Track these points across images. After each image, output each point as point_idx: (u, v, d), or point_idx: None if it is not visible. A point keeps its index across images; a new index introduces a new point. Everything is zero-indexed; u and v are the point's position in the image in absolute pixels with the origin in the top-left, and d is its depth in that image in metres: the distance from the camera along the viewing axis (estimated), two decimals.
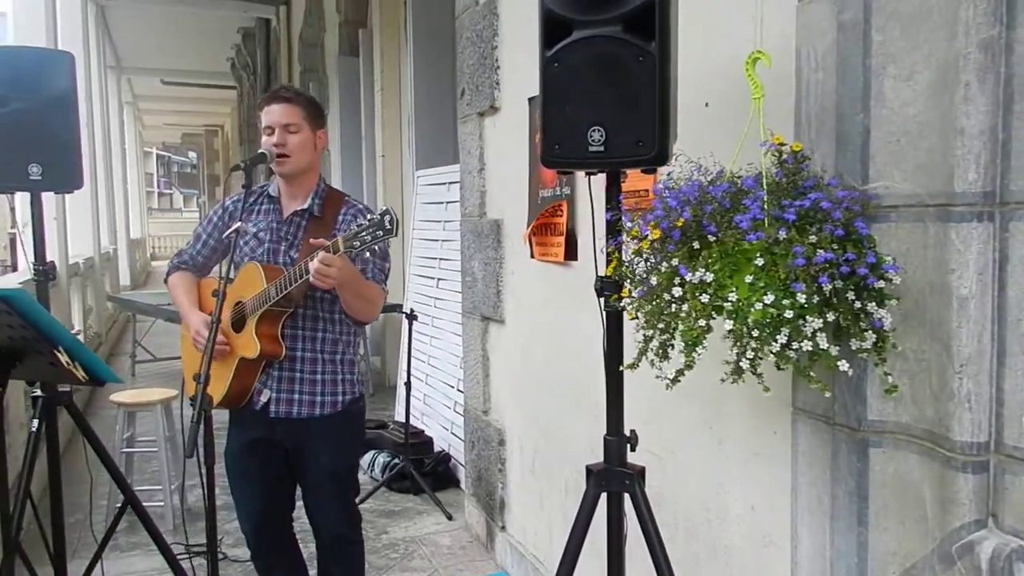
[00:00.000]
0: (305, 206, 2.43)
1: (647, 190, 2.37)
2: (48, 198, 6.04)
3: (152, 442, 4.34)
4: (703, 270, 1.49)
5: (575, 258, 2.85)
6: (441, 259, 5.29)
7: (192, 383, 2.30)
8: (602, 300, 1.86)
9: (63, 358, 1.77)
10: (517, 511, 3.44)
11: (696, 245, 1.54)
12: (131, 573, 3.59)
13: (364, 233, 2.07)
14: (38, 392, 2.79)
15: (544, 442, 3.15)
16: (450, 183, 5.25)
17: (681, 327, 1.54)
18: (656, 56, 1.68)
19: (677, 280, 1.55)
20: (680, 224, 1.54)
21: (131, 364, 8.15)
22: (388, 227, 2.05)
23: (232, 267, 2.21)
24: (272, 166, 2.40)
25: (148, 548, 3.70)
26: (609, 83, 1.72)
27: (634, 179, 2.31)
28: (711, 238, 1.52)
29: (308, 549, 2.69)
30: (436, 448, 4.78)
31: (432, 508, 4.23)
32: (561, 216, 2.90)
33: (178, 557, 3.16)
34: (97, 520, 3.98)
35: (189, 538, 3.97)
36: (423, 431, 4.92)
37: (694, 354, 1.50)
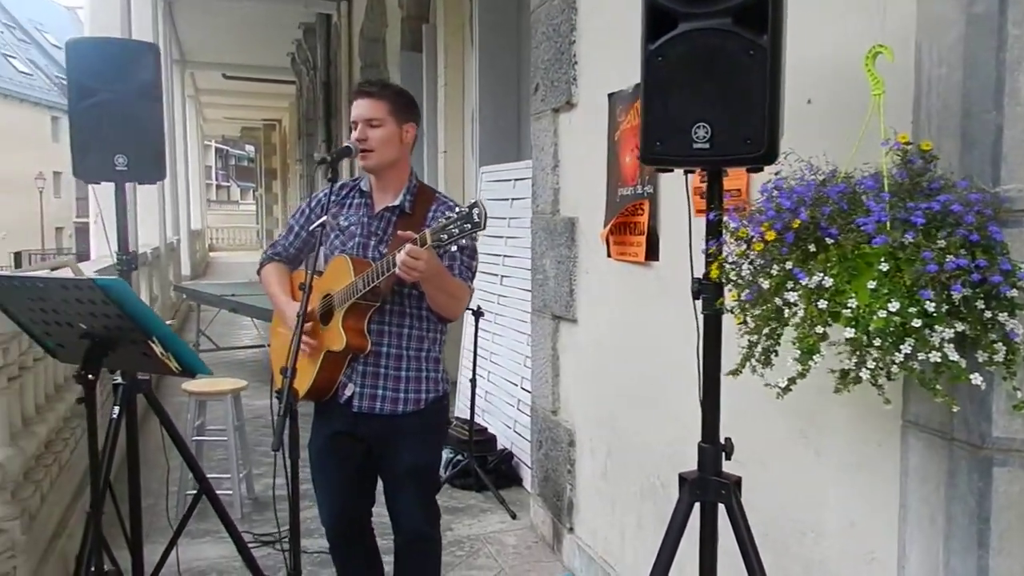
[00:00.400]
0: (396, 202, 2.41)
1: (739, 190, 2.30)
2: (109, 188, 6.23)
3: (221, 431, 4.39)
4: (821, 274, 1.42)
5: (656, 258, 2.78)
6: (505, 256, 5.25)
7: (280, 376, 2.30)
8: (699, 303, 1.80)
9: (157, 348, 1.78)
10: (586, 513, 3.39)
11: (812, 248, 1.47)
12: (202, 559, 3.62)
13: (451, 226, 2.04)
14: (118, 379, 2.83)
15: (617, 444, 3.09)
16: (516, 180, 5.21)
17: (795, 333, 1.47)
18: (768, 50, 1.61)
19: (790, 284, 1.48)
20: (796, 226, 1.47)
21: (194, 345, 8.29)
22: (476, 220, 2.01)
23: (321, 260, 2.20)
24: (357, 160, 2.39)
25: (218, 535, 3.74)
26: (716, 78, 1.66)
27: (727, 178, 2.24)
28: (829, 241, 1.44)
29: (386, 543, 2.68)
30: (499, 446, 4.75)
31: (496, 506, 4.20)
32: (642, 215, 2.84)
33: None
34: (164, 507, 4.04)
35: (256, 527, 4.02)
36: (486, 428, 4.89)
37: (810, 362, 1.43)
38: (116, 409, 2.85)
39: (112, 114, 2.68)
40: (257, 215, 36.95)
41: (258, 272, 2.63)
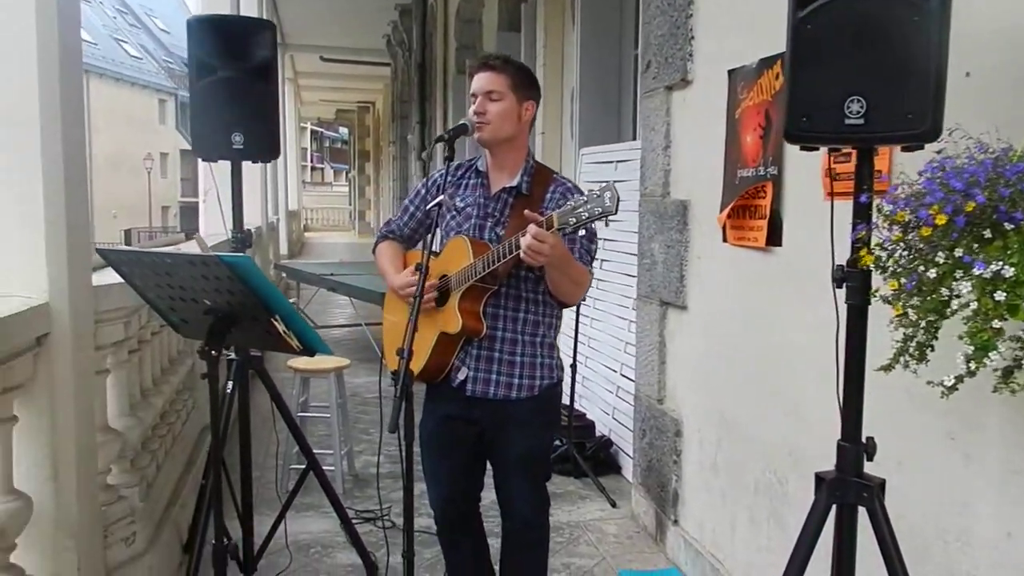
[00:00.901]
0: (514, 183, 2.36)
1: (879, 171, 2.14)
2: (222, 167, 6.38)
3: (322, 407, 4.46)
4: (1000, 263, 1.28)
5: (779, 243, 2.64)
6: (605, 239, 5.14)
7: (393, 358, 2.28)
8: (840, 291, 1.67)
9: (280, 327, 1.77)
10: (693, 506, 3.28)
11: (987, 234, 1.33)
12: (306, 533, 3.68)
13: (580, 209, 1.96)
14: (232, 355, 2.88)
15: (729, 437, 2.97)
16: (618, 162, 5.09)
17: (965, 328, 1.34)
18: (936, 14, 1.47)
19: (959, 273, 1.35)
20: (970, 209, 1.33)
21: None
22: (608, 205, 1.93)
23: (437, 240, 2.16)
24: (473, 135, 2.33)
25: (320, 510, 3.80)
26: (873, 47, 1.53)
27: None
28: (1009, 226, 1.31)
29: (490, 525, 2.65)
30: (597, 433, 4.68)
31: (595, 493, 4.13)
32: (764, 198, 2.70)
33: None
34: (268, 479, 4.13)
35: (357, 504, 4.06)
36: (584, 414, 4.82)
37: (985, 359, 1.30)
38: (230, 384, 2.90)
39: (230, 92, 2.71)
40: (350, 196, 37.72)
41: (373, 250, 2.62)
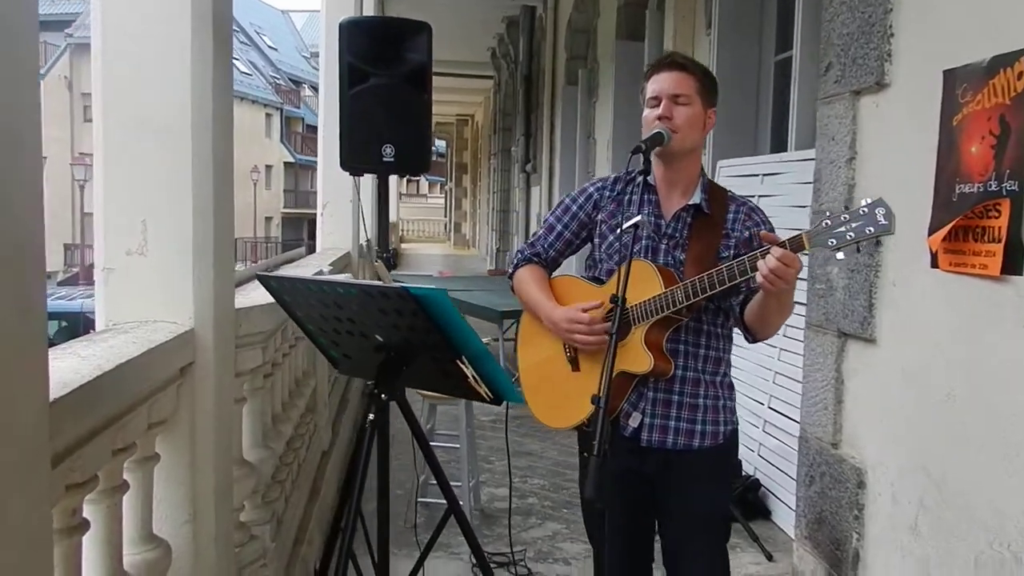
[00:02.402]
0: (694, 200, 2.04)
1: None
2: (343, 177, 6.23)
3: (453, 436, 4.21)
4: None
5: (1019, 272, 2.23)
6: None
7: (547, 409, 1.99)
8: None
9: (468, 371, 1.49)
10: (879, 570, 2.86)
11: None
12: None
13: (841, 229, 1.65)
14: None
15: (938, 497, 2.55)
16: (764, 175, 4.70)
17: None
18: None
19: None
20: None
21: None
22: (883, 223, 1.61)
23: (569, 265, 1.86)
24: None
25: (449, 550, 3.54)
26: None
27: None
28: None
29: None
30: (743, 472, 4.28)
31: (746, 542, 3.74)
32: (998, 218, 2.28)
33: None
34: (397, 513, 3.90)
35: (485, 544, 3.79)
36: None
37: None
38: (371, 417, 2.66)
39: (383, 100, 2.49)
40: (445, 208, 38.06)
41: (510, 276, 2.31)
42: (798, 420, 3.52)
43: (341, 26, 2.48)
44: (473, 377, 1.49)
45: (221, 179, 2.17)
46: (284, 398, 3.43)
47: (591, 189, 2.21)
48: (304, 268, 4.19)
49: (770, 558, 3.58)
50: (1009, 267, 2.24)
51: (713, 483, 2.08)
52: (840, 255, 1.72)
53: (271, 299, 2.89)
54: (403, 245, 29.69)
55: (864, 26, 2.90)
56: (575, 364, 2.08)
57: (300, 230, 41.00)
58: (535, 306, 2.18)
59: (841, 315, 3.06)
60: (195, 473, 2.16)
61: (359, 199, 2.74)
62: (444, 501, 3.67)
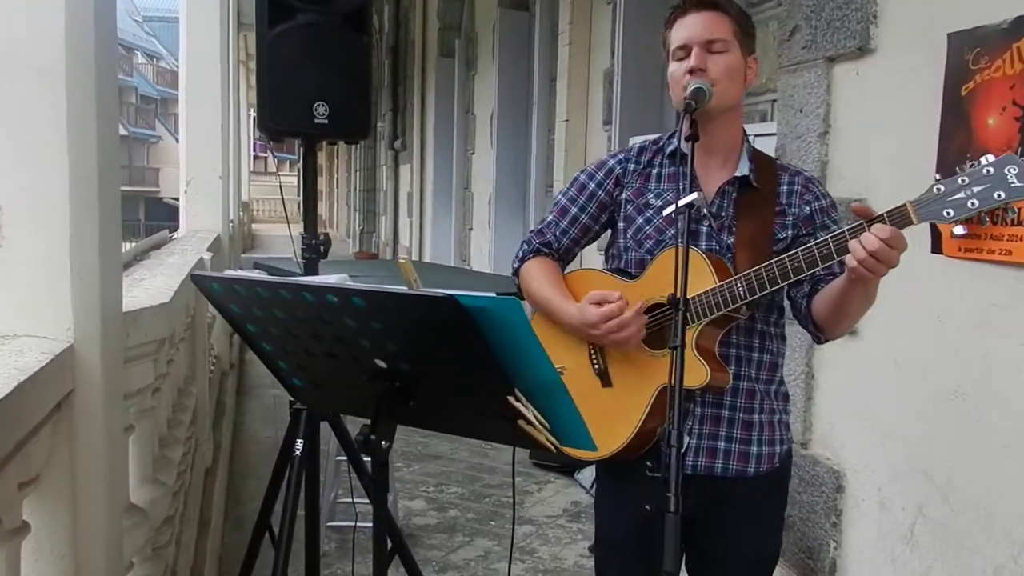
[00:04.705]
0: (740, 171, 1.66)
1: None
2: (212, 150, 5.47)
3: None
4: None
5: None
6: None
7: (612, 432, 1.57)
8: None
9: (528, 411, 1.04)
10: None
11: None
12: None
13: (960, 195, 1.31)
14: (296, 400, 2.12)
15: (943, 504, 2.33)
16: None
17: None
18: None
19: None
20: None
21: None
22: (1018, 185, 1.28)
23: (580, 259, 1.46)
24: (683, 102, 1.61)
25: None
26: None
27: None
28: None
29: None
30: None
31: None
32: None
33: None
34: (300, 539, 3.35)
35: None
36: None
37: None
38: (300, 444, 2.15)
39: (314, 46, 1.95)
40: (298, 187, 36.53)
41: (515, 271, 1.86)
42: None
43: None
44: (535, 418, 1.05)
45: (108, 140, 1.60)
46: (169, 414, 2.82)
47: (611, 162, 1.78)
48: (185, 256, 3.55)
49: None
50: None
51: (770, 518, 1.73)
52: (959, 229, 1.39)
53: (164, 295, 2.32)
54: (254, 226, 28.13)
55: None
56: (605, 378, 1.67)
57: (136, 210, 38.09)
58: (549, 307, 1.73)
59: None
60: (78, 538, 1.59)
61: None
62: (353, 523, 3.22)
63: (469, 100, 9.48)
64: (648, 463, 1.41)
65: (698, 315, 1.55)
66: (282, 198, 2.37)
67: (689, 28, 1.63)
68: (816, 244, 1.46)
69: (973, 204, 1.31)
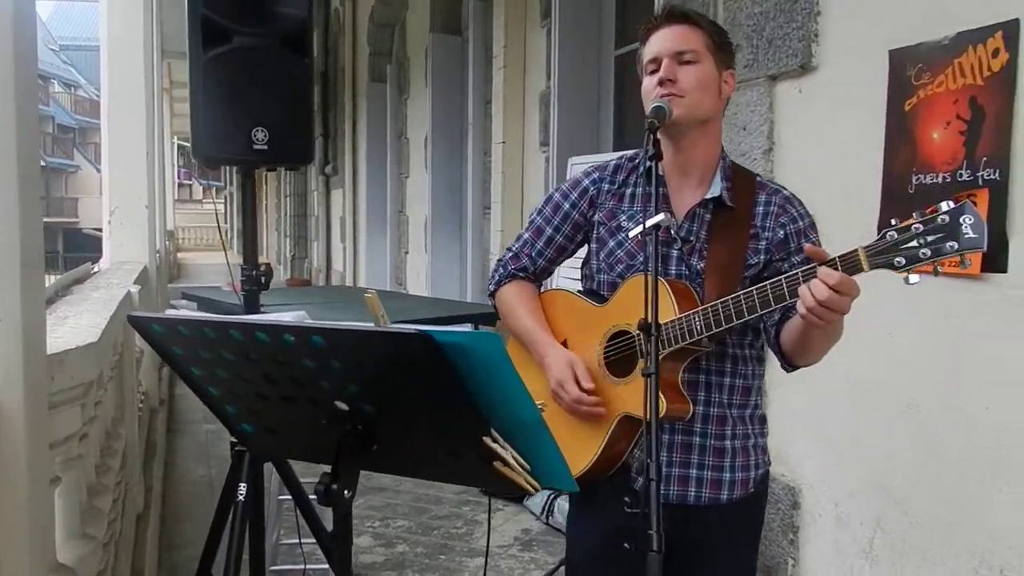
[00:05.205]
0: (712, 192, 1.61)
1: None
2: (137, 179, 5.25)
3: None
4: None
5: (1002, 269, 2.03)
6: None
7: (574, 457, 1.51)
8: None
9: (505, 452, 0.96)
10: None
11: None
12: None
13: (913, 243, 1.27)
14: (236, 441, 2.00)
15: (901, 517, 2.33)
16: None
17: None
18: None
19: None
20: None
21: None
22: (972, 236, 1.25)
23: (555, 278, 1.40)
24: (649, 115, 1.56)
25: None
26: None
27: None
28: None
29: None
30: None
31: None
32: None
33: None
34: None
35: None
36: None
37: None
38: (243, 488, 2.02)
39: (251, 69, 1.86)
40: (227, 214, 35.81)
41: (491, 294, 1.81)
42: None
43: None
44: (514, 459, 0.97)
45: (28, 172, 1.47)
46: (97, 460, 2.64)
47: (586, 182, 1.72)
48: (111, 290, 3.36)
49: None
50: (991, 264, 2.04)
51: (743, 544, 1.68)
52: (915, 278, 1.31)
53: (92, 333, 2.16)
54: (180, 254, 27.40)
55: (783, 4, 2.65)
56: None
57: (54, 242, 36.70)
58: (527, 339, 1.70)
59: None
60: None
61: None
62: (301, 566, 3.07)
63: (402, 124, 9.40)
64: (626, 499, 1.35)
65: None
66: (219, 226, 2.25)
67: (660, 41, 1.59)
68: (771, 283, 1.41)
69: (925, 254, 1.28)
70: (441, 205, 7.94)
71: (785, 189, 1.67)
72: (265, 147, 1.88)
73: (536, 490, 1.02)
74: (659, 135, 1.49)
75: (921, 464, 2.26)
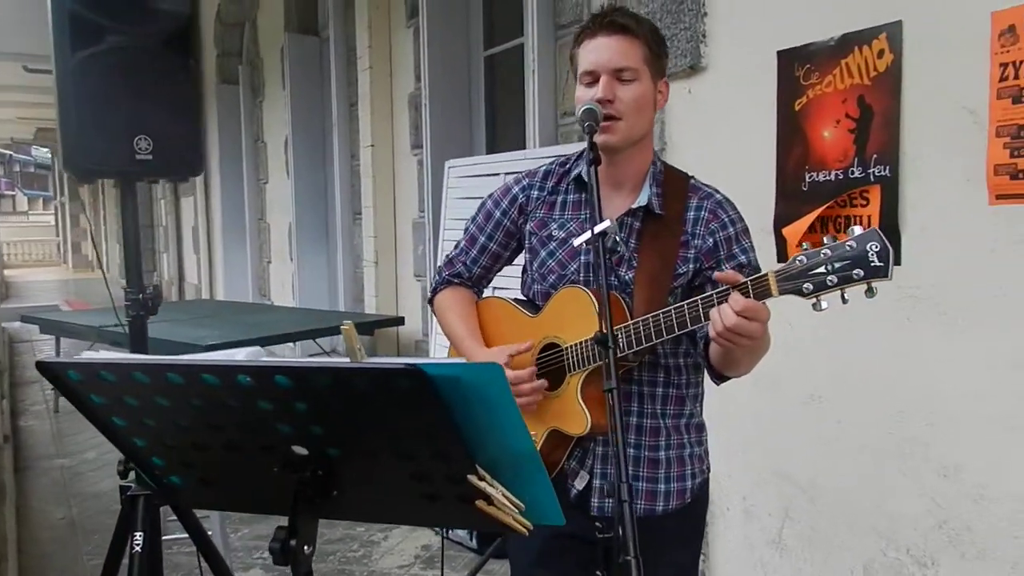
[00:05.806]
0: (639, 202, 1.58)
1: None
2: None
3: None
4: None
5: (896, 263, 2.11)
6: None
7: None
8: None
9: (495, 491, 0.88)
10: None
11: None
12: None
13: (821, 269, 1.28)
14: (133, 486, 1.81)
15: (808, 506, 2.40)
16: (506, 173, 4.40)
17: None
18: None
19: None
20: None
21: (54, 397, 6.68)
22: (877, 264, 1.26)
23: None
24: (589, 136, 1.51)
25: None
26: None
27: None
28: None
29: None
30: None
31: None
32: (865, 206, 2.17)
33: None
34: None
35: None
36: None
37: None
38: (139, 537, 1.82)
39: (129, 71, 1.67)
40: (58, 227, 33.32)
41: (430, 301, 1.77)
42: None
43: None
44: (504, 497, 0.89)
45: None
46: None
47: (515, 189, 1.65)
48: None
49: None
50: None
51: (682, 552, 1.66)
52: (824, 304, 1.32)
53: None
54: (7, 272, 25.21)
55: (670, 4, 2.68)
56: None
57: None
58: (458, 345, 1.66)
59: None
60: None
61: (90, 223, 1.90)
62: None
63: (258, 127, 9.00)
64: (598, 523, 1.29)
65: (582, 362, 1.48)
66: (92, 242, 2.01)
67: (598, 52, 1.52)
68: (687, 304, 1.40)
69: (832, 281, 1.29)
70: (305, 211, 7.65)
71: (719, 192, 1.65)
72: (149, 157, 1.69)
73: (529, 530, 0.95)
74: (603, 149, 1.46)
75: (824, 453, 2.34)
